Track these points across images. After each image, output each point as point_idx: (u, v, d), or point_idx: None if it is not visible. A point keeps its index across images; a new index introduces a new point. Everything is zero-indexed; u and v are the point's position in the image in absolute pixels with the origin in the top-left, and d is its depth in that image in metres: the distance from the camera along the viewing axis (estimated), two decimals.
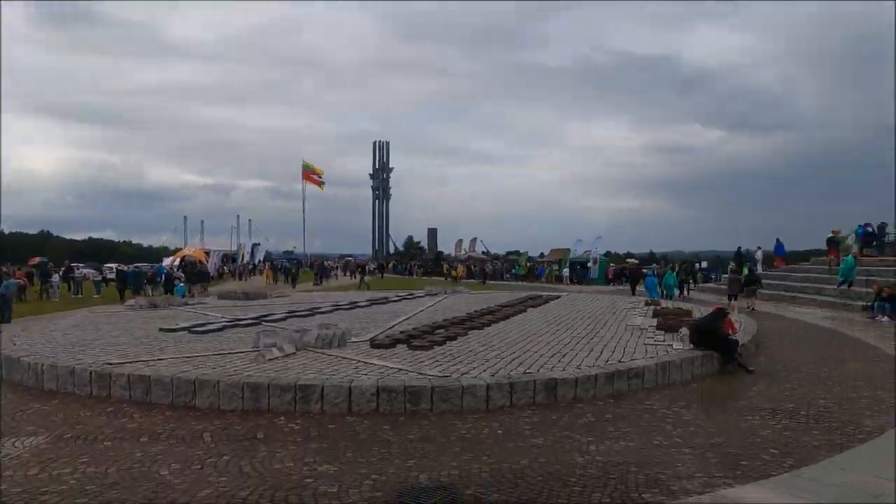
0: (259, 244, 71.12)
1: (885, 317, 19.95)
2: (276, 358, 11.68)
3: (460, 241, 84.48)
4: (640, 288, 34.43)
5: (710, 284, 38.95)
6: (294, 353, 12.20)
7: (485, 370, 10.88)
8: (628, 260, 55.34)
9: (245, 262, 63.71)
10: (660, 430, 8.68)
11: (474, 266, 65.20)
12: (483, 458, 7.37)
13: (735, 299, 24.88)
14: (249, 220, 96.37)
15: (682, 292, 33.49)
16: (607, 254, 68.98)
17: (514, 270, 62.63)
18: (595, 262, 50.65)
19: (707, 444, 7.86)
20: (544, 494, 6.30)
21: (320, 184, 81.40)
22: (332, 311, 20.66)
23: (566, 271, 53.45)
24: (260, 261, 66.42)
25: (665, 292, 30.53)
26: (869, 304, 21.21)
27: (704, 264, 49.80)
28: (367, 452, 7.64)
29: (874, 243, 30.97)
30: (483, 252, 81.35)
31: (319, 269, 55.90)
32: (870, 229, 31.17)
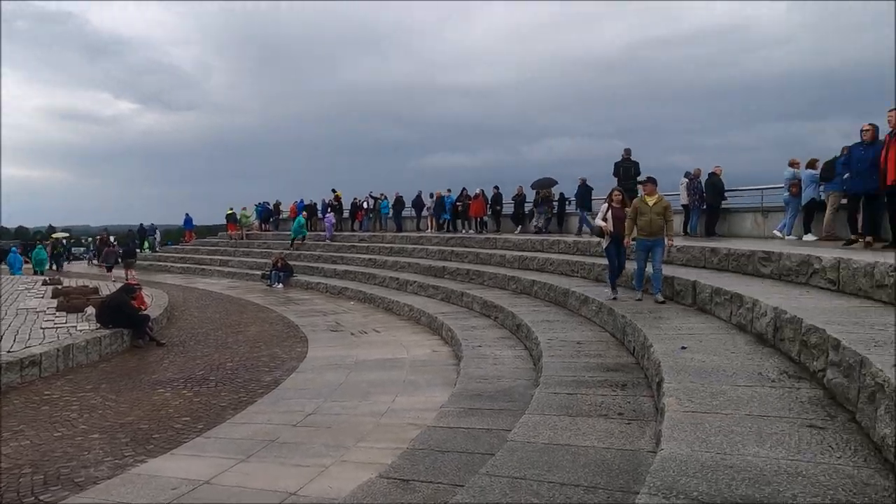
0: None
1: (280, 284, 22.67)
2: None
3: None
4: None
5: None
6: None
7: None
8: (56, 235, 48.71)
9: None
10: (62, 420, 7.88)
11: None
12: None
13: (111, 270, 26.94)
14: None
15: (56, 266, 33.32)
16: None
17: None
18: None
19: (118, 425, 7.50)
20: None
21: None
22: None
23: None
24: None
25: (36, 268, 29.77)
26: (267, 273, 23.70)
27: (113, 238, 47.67)
28: None
29: (272, 219, 34.86)
30: None
31: None
32: (269, 206, 34.92)
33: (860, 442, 3.60)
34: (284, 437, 6.79)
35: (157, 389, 9.25)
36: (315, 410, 7.76)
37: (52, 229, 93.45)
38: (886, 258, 6.50)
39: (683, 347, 6.11)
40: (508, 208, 23.80)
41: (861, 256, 6.96)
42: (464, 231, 24.52)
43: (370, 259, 23.05)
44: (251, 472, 5.79)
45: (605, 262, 12.72)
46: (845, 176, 10.57)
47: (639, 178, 14.47)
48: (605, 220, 10.00)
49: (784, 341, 5.64)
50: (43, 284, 20.69)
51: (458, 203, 24.76)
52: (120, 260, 27.71)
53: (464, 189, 24.91)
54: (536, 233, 20.66)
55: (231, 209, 34.86)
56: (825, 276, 7.27)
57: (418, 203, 27.41)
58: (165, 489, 5.43)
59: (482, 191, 24.09)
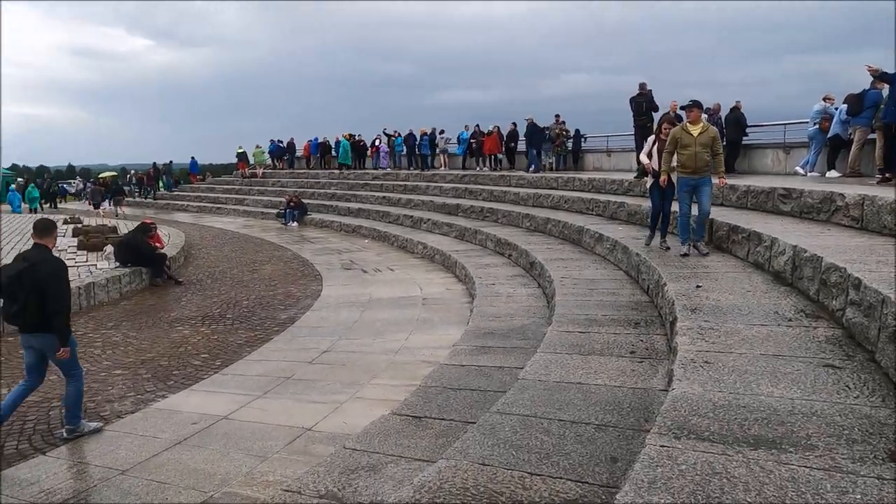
0: None
1: (295, 223, 22.71)
2: None
3: None
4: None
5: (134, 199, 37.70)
6: None
7: None
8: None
9: None
10: (87, 356, 8.01)
11: None
12: None
13: (98, 207, 29.63)
14: None
15: (51, 205, 35.59)
16: (13, 167, 59.90)
17: None
18: None
19: (139, 362, 7.65)
20: None
21: None
22: None
23: None
24: None
25: (29, 206, 31.21)
26: (281, 211, 23.72)
27: (130, 176, 47.59)
28: None
29: (286, 157, 34.64)
30: None
31: None
32: (282, 144, 34.65)
33: (879, 382, 3.56)
34: (300, 374, 6.89)
35: (176, 327, 9.39)
36: (330, 348, 7.85)
37: (71, 168, 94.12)
38: None
39: (698, 286, 6.05)
40: (523, 145, 23.40)
41: (886, 193, 6.78)
42: (477, 168, 24.26)
43: (384, 197, 22.97)
44: (268, 408, 5.90)
45: (621, 199, 12.59)
46: (882, 106, 10.22)
47: (679, 109, 13.01)
48: (649, 155, 8.53)
49: (802, 280, 5.56)
50: (64, 223, 20.90)
51: (472, 140, 24.42)
52: (109, 197, 30.17)
53: (477, 126, 24.51)
54: (551, 170, 20.42)
55: (241, 147, 34.69)
56: (848, 213, 7.12)
57: (432, 141, 27.01)
58: (186, 424, 5.56)
59: (497, 127, 23.68)
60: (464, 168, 25.01)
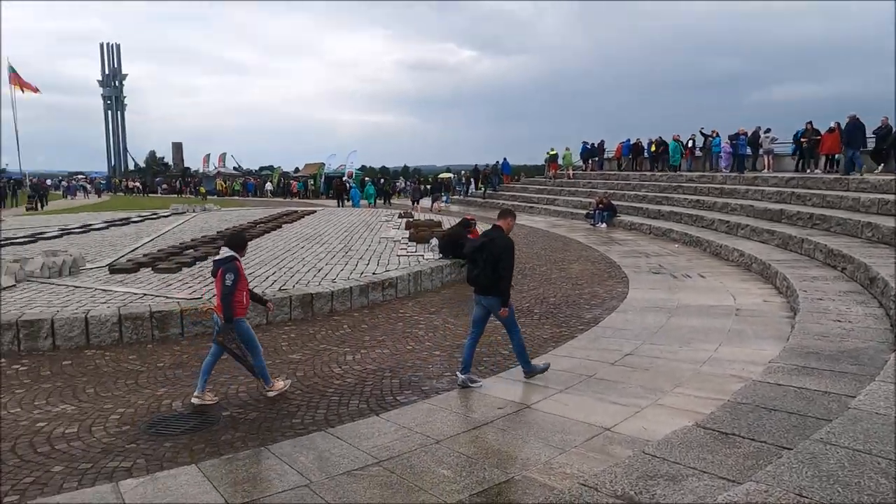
0: None
1: (603, 224, 22.78)
2: None
3: (208, 155, 78.73)
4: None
5: (459, 197, 41.19)
6: (13, 286, 10.68)
7: None
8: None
9: None
10: (412, 335, 9.12)
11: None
12: (240, 379, 7.18)
13: (416, 203, 34.43)
14: None
15: (385, 201, 41.90)
16: (363, 168, 69.67)
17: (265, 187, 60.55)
18: (351, 177, 50.78)
19: (454, 346, 8.42)
20: (303, 408, 6.34)
21: (34, 88, 65.73)
22: (60, 236, 18.34)
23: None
24: None
25: (368, 201, 38.17)
26: (590, 212, 23.96)
27: (455, 177, 52.20)
28: (111, 386, 7.06)
29: (595, 158, 34.89)
30: (235, 167, 77.30)
31: (36, 189, 46.30)
32: (590, 146, 34.96)
33: None
34: (601, 374, 6.97)
35: None
36: (633, 351, 7.78)
37: (406, 169, 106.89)
38: None
39: None
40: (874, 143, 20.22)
41: None
42: (808, 171, 21.73)
43: (697, 200, 21.84)
44: (569, 403, 6.09)
45: None
46: None
47: None
48: None
49: None
50: (399, 217, 23.86)
51: (802, 139, 21.94)
52: (429, 195, 37.55)
53: (809, 123, 21.91)
54: None
55: (552, 150, 35.94)
56: None
57: (754, 141, 24.89)
58: (493, 407, 6.02)
59: (838, 124, 20.90)
60: (796, 170, 22.58)
